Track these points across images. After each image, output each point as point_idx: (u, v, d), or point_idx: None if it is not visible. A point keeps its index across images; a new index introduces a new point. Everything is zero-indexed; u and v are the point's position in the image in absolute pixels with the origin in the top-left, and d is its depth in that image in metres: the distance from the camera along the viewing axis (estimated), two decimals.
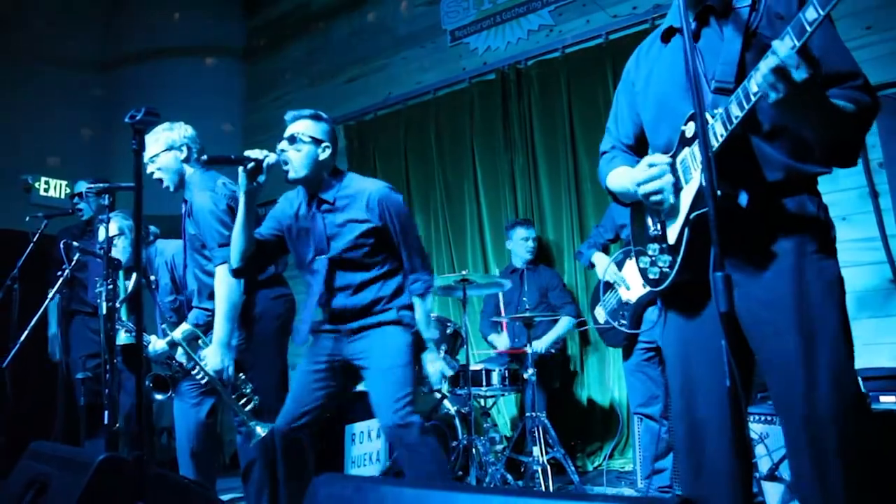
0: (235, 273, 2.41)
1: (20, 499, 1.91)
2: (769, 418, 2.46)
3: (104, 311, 2.78)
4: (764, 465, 2.42)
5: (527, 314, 3.37)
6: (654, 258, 1.58)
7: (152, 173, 2.78)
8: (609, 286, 3.11)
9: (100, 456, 1.68)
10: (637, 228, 1.67)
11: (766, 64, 1.23)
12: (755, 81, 1.28)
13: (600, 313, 3.14)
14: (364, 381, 2.41)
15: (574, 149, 4.47)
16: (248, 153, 2.19)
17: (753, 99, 1.31)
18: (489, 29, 5.05)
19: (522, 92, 4.74)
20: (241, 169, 2.19)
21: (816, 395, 1.36)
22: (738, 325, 1.46)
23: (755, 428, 2.47)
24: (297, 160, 2.31)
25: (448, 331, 3.54)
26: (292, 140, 2.32)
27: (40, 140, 5.69)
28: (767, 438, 2.42)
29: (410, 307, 2.41)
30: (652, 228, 1.59)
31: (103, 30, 6.23)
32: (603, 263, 3.16)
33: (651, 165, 1.49)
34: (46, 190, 5.65)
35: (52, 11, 5.85)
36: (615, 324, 2.98)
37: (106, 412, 2.64)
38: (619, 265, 3.08)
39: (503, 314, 4.00)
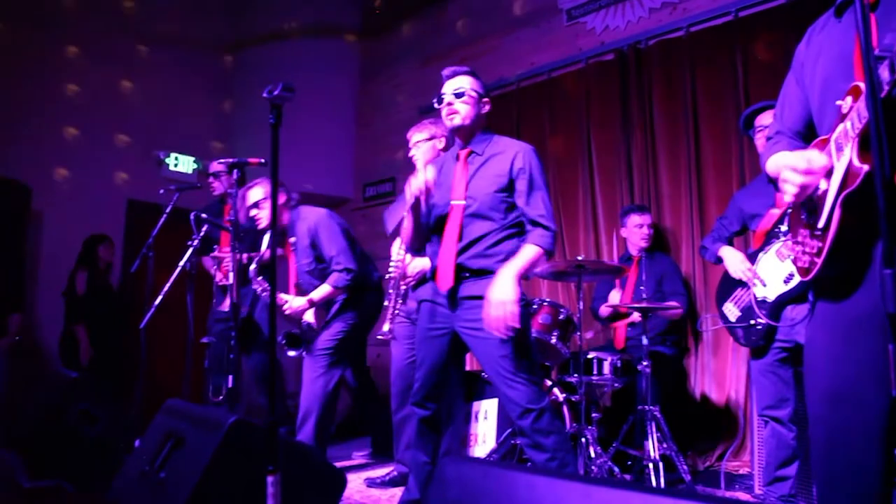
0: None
1: (160, 448, 2.04)
2: None
3: (231, 281, 2.93)
4: None
5: (644, 304, 3.24)
6: (804, 245, 1.48)
7: (412, 156, 3.31)
8: (741, 282, 2.91)
9: (230, 419, 1.76)
10: (794, 215, 1.57)
11: None
12: None
13: (731, 310, 2.95)
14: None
15: (697, 134, 4.24)
16: (408, 196, 2.47)
17: None
18: (608, 7, 4.87)
19: (642, 73, 4.55)
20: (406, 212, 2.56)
21: None
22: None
23: None
24: (464, 111, 2.51)
25: (560, 317, 3.46)
26: (460, 94, 2.52)
27: (171, 117, 6.05)
28: None
29: None
30: (804, 214, 1.50)
31: (228, 12, 6.52)
32: (733, 258, 2.95)
33: (808, 160, 1.41)
34: (176, 165, 6.01)
35: None
36: (749, 323, 2.79)
37: (230, 376, 2.80)
38: (752, 259, 2.88)
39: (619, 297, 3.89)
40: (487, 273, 2.40)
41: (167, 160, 5.95)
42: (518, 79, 5.24)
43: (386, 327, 3.26)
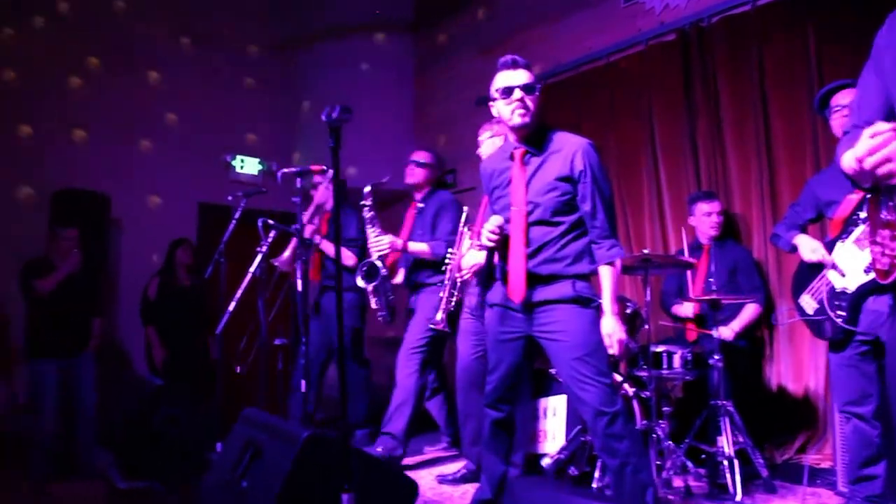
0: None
1: (240, 458, 2.13)
2: None
3: (301, 285, 3.01)
4: None
5: (713, 296, 3.16)
6: (884, 246, 1.41)
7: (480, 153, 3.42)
8: (818, 272, 2.79)
9: (304, 433, 1.82)
10: (872, 213, 1.48)
11: None
12: None
13: (808, 302, 2.82)
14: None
15: (766, 115, 4.05)
16: (484, 241, 2.47)
17: None
18: None
19: (706, 53, 4.36)
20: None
21: None
22: None
23: None
24: (533, 108, 2.45)
25: (627, 311, 3.41)
26: (531, 88, 2.44)
27: (234, 119, 6.21)
28: None
29: None
30: (884, 211, 1.41)
31: (283, 12, 6.61)
32: (809, 247, 2.83)
33: (874, 135, 1.30)
34: (242, 167, 6.16)
35: None
36: (826, 316, 2.68)
37: (303, 381, 2.87)
38: (830, 248, 2.75)
39: (689, 293, 3.80)
40: (559, 278, 2.40)
41: (233, 162, 6.10)
42: (576, 64, 5.13)
43: (438, 316, 3.36)
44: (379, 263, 3.72)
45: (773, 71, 4.06)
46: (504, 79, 2.47)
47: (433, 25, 6.63)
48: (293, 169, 2.97)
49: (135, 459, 2.86)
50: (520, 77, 2.45)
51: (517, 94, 2.42)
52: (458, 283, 3.44)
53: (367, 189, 3.79)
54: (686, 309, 3.90)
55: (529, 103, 2.43)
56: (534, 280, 2.41)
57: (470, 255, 3.31)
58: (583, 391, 2.33)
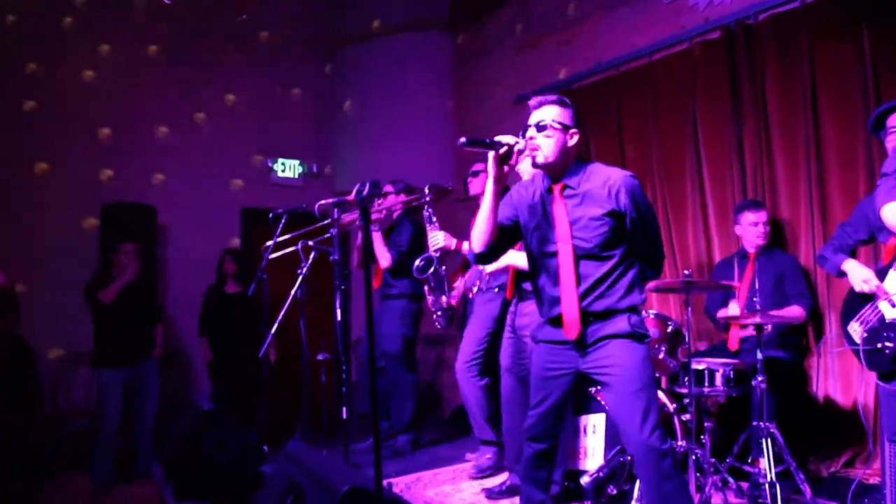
0: (478, 259, 2.57)
1: (282, 499, 2.20)
2: None
3: (340, 314, 3.06)
4: None
5: (757, 319, 3.09)
6: None
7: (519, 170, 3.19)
8: (869, 299, 2.69)
9: (345, 486, 1.87)
10: None
11: None
12: None
13: (857, 330, 2.74)
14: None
15: (816, 117, 3.90)
16: (499, 138, 2.33)
17: None
18: None
19: (753, 52, 4.20)
20: (490, 154, 2.35)
21: None
22: None
23: None
24: (546, 146, 2.39)
25: (669, 329, 3.37)
26: (542, 127, 2.40)
27: (274, 123, 6.28)
28: None
29: None
30: None
31: (322, 15, 6.61)
32: (860, 276, 2.73)
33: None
34: (283, 170, 6.26)
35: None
36: (875, 346, 2.59)
37: (344, 408, 2.93)
38: (882, 275, 2.65)
39: (733, 305, 3.74)
40: (613, 313, 2.39)
41: (275, 166, 6.21)
42: (617, 62, 5.00)
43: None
44: (436, 255, 3.84)
45: (824, 72, 3.90)
46: (529, 120, 2.46)
47: (470, 24, 6.53)
48: (329, 200, 3.00)
49: (185, 481, 2.98)
50: (539, 115, 2.43)
51: (529, 132, 2.41)
52: (487, 277, 3.56)
53: (427, 188, 3.94)
54: (732, 310, 3.81)
55: (542, 142, 2.39)
56: (588, 316, 2.39)
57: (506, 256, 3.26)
58: (639, 427, 2.30)
